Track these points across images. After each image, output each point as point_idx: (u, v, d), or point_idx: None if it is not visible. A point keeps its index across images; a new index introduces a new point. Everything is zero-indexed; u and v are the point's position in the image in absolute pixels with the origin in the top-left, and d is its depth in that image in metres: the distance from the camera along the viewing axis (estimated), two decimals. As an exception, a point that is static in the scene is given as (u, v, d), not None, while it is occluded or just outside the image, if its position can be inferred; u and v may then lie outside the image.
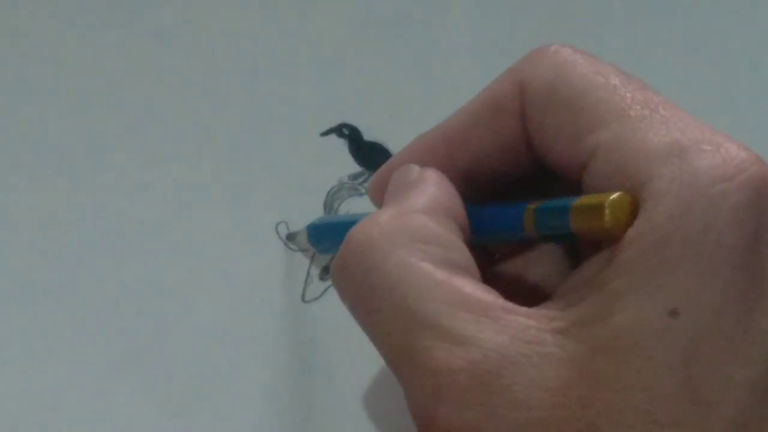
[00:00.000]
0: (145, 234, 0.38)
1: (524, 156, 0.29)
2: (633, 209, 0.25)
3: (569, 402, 0.24)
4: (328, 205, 0.39)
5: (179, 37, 0.42)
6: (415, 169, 0.30)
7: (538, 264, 0.30)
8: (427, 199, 0.28)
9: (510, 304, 0.26)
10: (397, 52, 0.42)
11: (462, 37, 0.43)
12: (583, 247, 0.28)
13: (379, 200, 0.31)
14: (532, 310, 0.26)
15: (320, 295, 0.38)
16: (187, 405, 0.36)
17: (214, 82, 0.41)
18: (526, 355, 0.25)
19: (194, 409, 0.36)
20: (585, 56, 0.28)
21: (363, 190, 0.39)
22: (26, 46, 0.42)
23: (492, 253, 0.31)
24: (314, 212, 0.39)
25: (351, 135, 0.41)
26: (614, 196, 0.25)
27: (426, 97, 0.41)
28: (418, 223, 0.27)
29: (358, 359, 0.36)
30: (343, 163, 0.40)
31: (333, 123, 0.41)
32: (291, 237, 0.38)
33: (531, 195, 0.28)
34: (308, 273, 0.38)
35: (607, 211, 0.25)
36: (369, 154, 0.40)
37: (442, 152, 0.30)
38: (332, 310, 0.37)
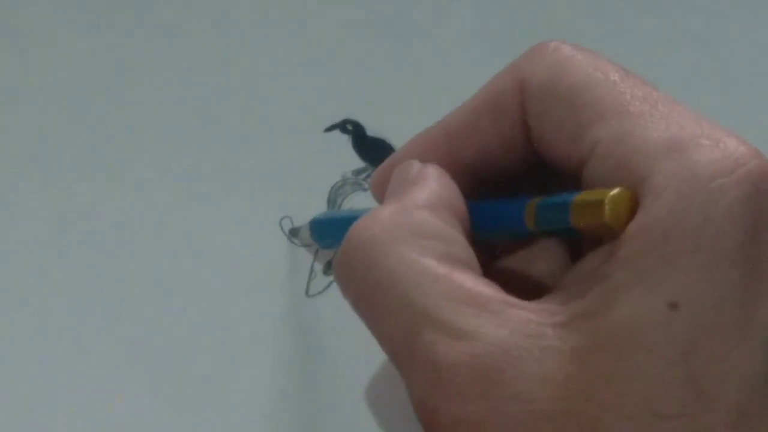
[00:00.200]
0: (149, 229, 0.39)
1: (525, 152, 0.29)
2: (633, 205, 0.25)
3: (570, 395, 0.24)
4: (332, 200, 0.39)
5: (182, 33, 0.42)
6: (416, 164, 0.30)
7: (539, 259, 0.30)
8: (428, 194, 0.28)
9: (511, 298, 0.26)
10: (400, 48, 0.43)
11: (464, 34, 0.43)
12: (583, 242, 0.28)
13: (380, 196, 0.31)
14: (533, 304, 0.26)
15: (324, 290, 0.38)
16: (192, 399, 0.36)
17: (218, 79, 0.41)
18: (527, 348, 0.25)
19: (198, 404, 0.36)
20: (584, 52, 0.28)
21: (366, 186, 0.40)
22: (28, 43, 0.42)
23: (493, 249, 0.31)
24: (318, 207, 0.39)
25: (354, 130, 0.41)
26: (614, 191, 0.25)
27: (429, 92, 0.41)
28: (419, 219, 0.27)
29: (362, 353, 0.36)
30: (346, 158, 0.40)
31: (336, 119, 0.41)
32: (294, 232, 0.38)
33: (531, 191, 0.28)
34: (312, 267, 0.38)
35: (607, 206, 0.25)
36: (372, 150, 0.40)
37: (443, 148, 0.30)
38: (336, 304, 0.37)
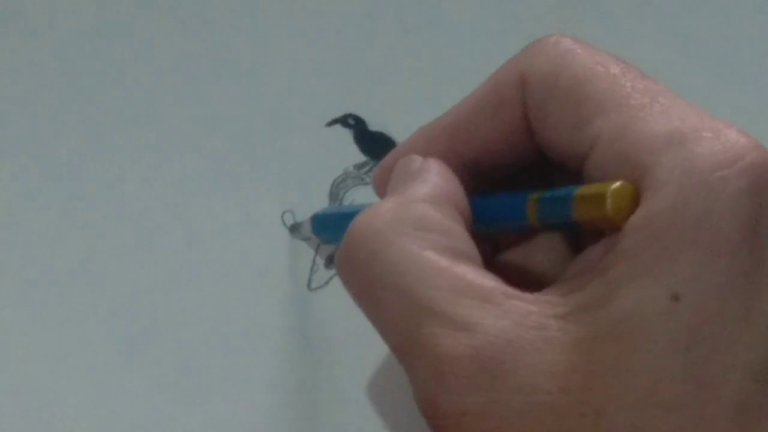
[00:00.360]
0: (151, 224, 0.39)
1: (526, 146, 0.29)
2: (634, 198, 0.25)
3: (572, 386, 0.24)
4: (334, 194, 0.39)
5: (184, 28, 0.42)
6: (418, 159, 0.30)
7: (540, 252, 0.30)
8: (430, 188, 0.28)
9: (512, 290, 0.26)
10: (402, 42, 0.43)
11: (467, 28, 0.43)
12: (585, 235, 0.28)
13: (382, 191, 0.31)
14: (535, 296, 0.26)
15: (326, 283, 0.38)
16: (194, 393, 0.36)
17: (220, 73, 0.41)
18: (529, 340, 0.25)
19: (201, 397, 0.36)
20: (585, 46, 0.28)
21: (368, 180, 0.40)
22: (30, 38, 0.42)
23: (495, 243, 0.31)
24: (320, 201, 0.39)
25: (356, 125, 0.41)
26: (616, 185, 0.25)
27: (431, 87, 0.41)
28: (421, 212, 0.27)
29: (364, 346, 0.36)
30: (348, 152, 0.40)
31: (338, 113, 0.41)
32: (295, 227, 0.38)
33: (533, 185, 0.29)
34: (314, 261, 0.38)
35: (608, 200, 0.25)
36: (374, 144, 0.40)
37: (445, 143, 0.30)
38: (338, 297, 0.37)
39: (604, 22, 0.43)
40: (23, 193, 0.39)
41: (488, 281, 0.26)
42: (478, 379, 0.25)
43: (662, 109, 0.26)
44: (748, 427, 0.24)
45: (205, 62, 0.42)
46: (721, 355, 0.24)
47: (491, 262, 0.30)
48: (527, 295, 0.26)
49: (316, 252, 0.39)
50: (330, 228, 0.36)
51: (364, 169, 0.40)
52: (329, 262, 0.38)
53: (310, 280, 0.38)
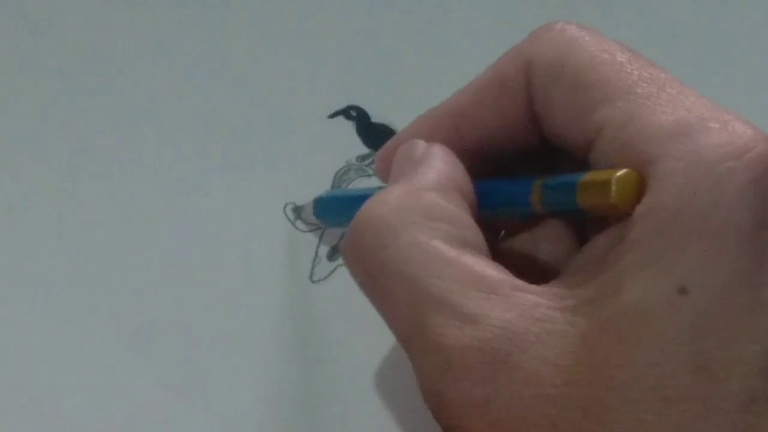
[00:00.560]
0: (153, 217, 0.39)
1: (530, 133, 0.29)
2: (640, 186, 0.25)
3: (578, 378, 0.24)
4: (336, 186, 0.39)
5: (186, 21, 0.42)
6: (421, 144, 0.30)
7: (546, 240, 0.30)
8: (436, 175, 0.28)
9: (519, 282, 0.26)
10: (405, 34, 0.42)
11: (470, 17, 0.43)
12: (590, 225, 0.28)
13: (385, 175, 0.31)
14: (542, 288, 0.26)
15: (328, 275, 0.38)
16: (196, 386, 0.36)
17: (222, 66, 0.41)
18: (535, 332, 0.25)
19: (203, 391, 0.36)
20: (591, 33, 0.28)
21: (371, 172, 0.40)
22: (30, 34, 0.42)
23: (498, 229, 0.31)
24: (322, 194, 0.39)
25: (359, 117, 0.41)
26: (621, 172, 0.25)
27: (433, 78, 0.41)
28: (429, 201, 0.27)
29: (367, 339, 0.36)
30: (350, 144, 0.40)
31: (341, 105, 0.41)
32: (297, 210, 0.38)
33: (537, 172, 0.28)
34: (316, 253, 0.38)
35: (613, 187, 0.25)
36: (376, 136, 0.40)
37: (449, 129, 0.30)
38: (340, 289, 0.37)
39: (608, 17, 0.43)
40: (25, 189, 0.39)
41: (495, 273, 0.26)
42: (483, 371, 0.25)
43: (669, 99, 0.26)
44: (753, 421, 0.24)
45: (207, 55, 0.42)
46: (726, 349, 0.24)
47: (497, 251, 0.30)
48: (534, 287, 0.26)
49: (319, 244, 0.38)
50: (332, 211, 0.36)
51: (367, 161, 0.40)
52: (332, 253, 0.38)
53: (312, 273, 0.38)
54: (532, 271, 0.28)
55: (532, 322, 0.25)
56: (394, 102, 0.41)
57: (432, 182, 0.28)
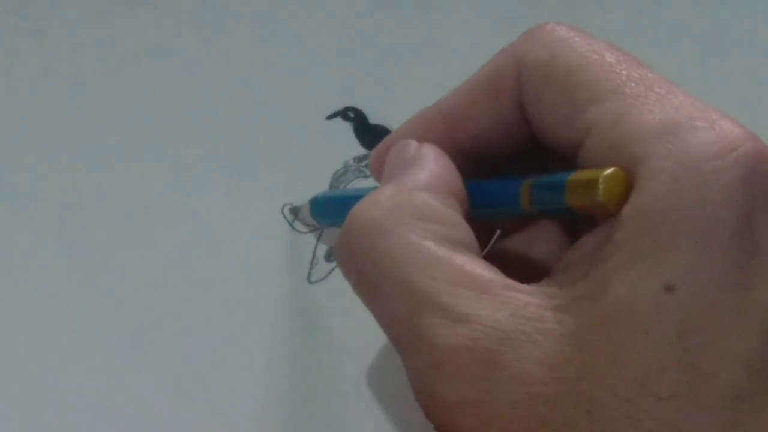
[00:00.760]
0: (151, 217, 0.39)
1: (521, 133, 0.29)
2: (627, 185, 0.25)
3: (568, 377, 0.24)
4: (334, 187, 0.40)
5: (186, 21, 0.42)
6: (413, 144, 0.30)
7: (539, 240, 0.30)
8: (428, 175, 0.28)
9: (510, 281, 0.26)
10: (402, 35, 0.43)
11: (467, 19, 0.43)
12: (581, 224, 0.28)
13: (379, 175, 0.31)
14: (532, 287, 0.26)
15: (326, 276, 0.38)
16: (194, 386, 0.36)
17: (221, 67, 0.42)
18: (526, 331, 0.25)
19: (200, 390, 0.36)
20: (581, 34, 0.28)
21: (368, 173, 0.40)
22: (29, 33, 0.42)
23: (492, 228, 0.31)
24: (320, 195, 0.39)
25: (356, 118, 0.41)
26: (608, 171, 0.25)
27: (431, 79, 0.41)
28: (420, 201, 0.27)
29: (363, 339, 0.36)
30: (348, 145, 0.40)
31: (338, 106, 0.41)
32: (294, 211, 0.38)
33: (528, 172, 0.29)
34: (314, 254, 0.39)
35: (601, 185, 0.25)
36: (374, 137, 0.40)
37: (440, 129, 0.30)
38: (338, 290, 0.37)
39: (603, 17, 0.43)
40: (25, 189, 0.39)
41: (486, 272, 0.26)
42: (474, 370, 0.25)
43: (657, 98, 0.26)
44: (741, 417, 0.24)
45: (205, 57, 0.42)
46: (714, 346, 0.24)
47: (489, 250, 0.30)
48: (525, 287, 0.26)
49: (316, 245, 0.39)
50: (329, 211, 0.36)
51: (364, 162, 0.40)
52: (329, 255, 0.39)
53: (310, 274, 0.38)
54: (524, 270, 0.28)
55: (523, 321, 0.25)
56: (391, 103, 0.41)
57: (423, 182, 0.28)
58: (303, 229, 0.39)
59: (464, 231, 0.28)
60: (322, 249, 0.39)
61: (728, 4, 0.44)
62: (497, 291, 0.26)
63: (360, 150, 0.40)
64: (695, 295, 0.24)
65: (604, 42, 0.28)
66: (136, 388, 0.36)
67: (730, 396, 0.24)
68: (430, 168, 0.29)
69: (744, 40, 0.43)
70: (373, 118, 0.41)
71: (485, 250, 0.31)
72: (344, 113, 0.41)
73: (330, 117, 0.41)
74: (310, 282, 0.38)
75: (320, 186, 0.39)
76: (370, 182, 0.39)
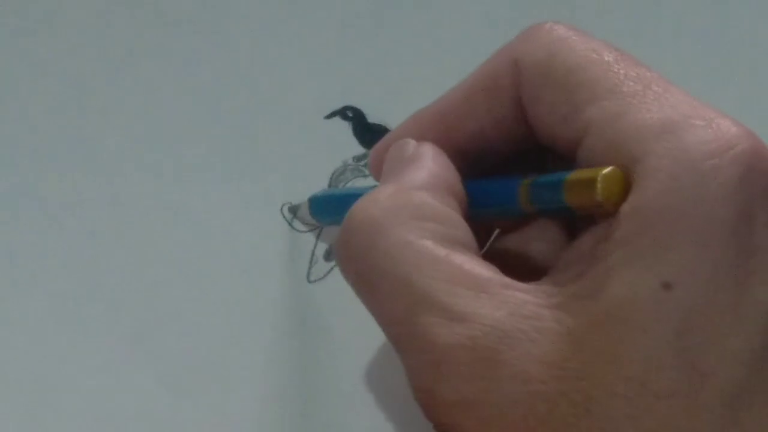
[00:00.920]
0: (151, 215, 0.39)
1: (519, 132, 0.29)
2: (625, 184, 0.25)
3: (566, 375, 0.24)
4: (333, 186, 0.40)
5: (185, 19, 0.42)
6: (412, 143, 0.30)
7: (537, 238, 0.30)
8: (426, 174, 0.28)
9: (508, 280, 0.26)
10: (401, 34, 0.43)
11: (467, 19, 0.43)
12: (580, 223, 0.28)
13: (377, 174, 0.31)
14: (530, 286, 0.26)
15: (325, 276, 0.38)
16: (193, 385, 0.36)
17: (218, 66, 0.42)
18: (524, 330, 0.25)
19: (200, 390, 0.36)
20: (579, 33, 0.28)
21: (367, 172, 0.40)
22: (27, 31, 0.42)
23: (491, 227, 0.31)
24: (319, 194, 0.39)
25: (355, 117, 0.41)
26: (606, 170, 0.25)
27: (430, 79, 0.41)
28: (418, 201, 0.28)
29: (363, 338, 0.36)
30: (347, 145, 0.40)
31: (337, 105, 0.41)
32: (293, 209, 0.38)
33: (526, 171, 0.29)
34: (313, 253, 0.39)
35: (599, 185, 0.25)
36: (373, 136, 0.40)
37: (438, 128, 0.30)
38: (337, 289, 0.37)
39: (601, 18, 0.43)
40: (24, 189, 0.39)
41: (485, 271, 0.26)
42: (473, 369, 0.25)
43: (655, 97, 0.26)
44: (739, 415, 0.24)
45: (204, 56, 0.42)
46: (712, 344, 0.24)
47: (487, 249, 0.30)
48: (523, 285, 0.26)
49: (315, 244, 0.39)
50: (327, 209, 0.36)
51: (363, 161, 0.40)
52: (328, 254, 0.39)
53: (309, 273, 0.38)
54: (523, 269, 0.28)
55: (521, 319, 0.25)
56: (390, 102, 0.41)
57: (422, 182, 0.28)
58: (302, 228, 0.39)
59: (463, 230, 0.28)
60: (322, 248, 0.39)
61: (728, 3, 0.44)
62: (496, 290, 0.26)
63: (359, 149, 0.40)
64: (693, 294, 0.24)
65: (602, 41, 0.28)
66: (135, 386, 0.36)
67: (729, 394, 0.24)
68: (428, 167, 0.29)
69: (744, 39, 0.43)
70: (372, 118, 0.41)
71: (484, 249, 0.31)
72: (343, 112, 0.41)
73: (329, 116, 0.41)
74: (310, 281, 0.38)
75: (319, 185, 0.39)
76: (369, 182, 0.39)
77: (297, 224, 0.39)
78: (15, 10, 0.42)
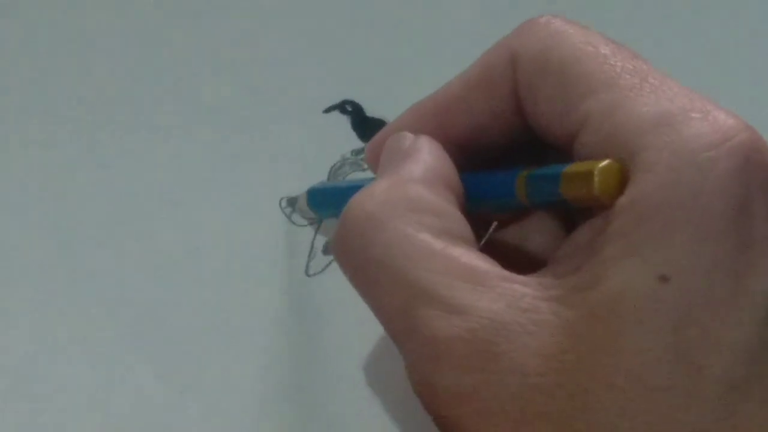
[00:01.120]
0: (149, 212, 0.39)
1: (516, 126, 0.29)
2: (622, 177, 0.25)
3: (563, 367, 0.24)
4: (331, 180, 0.40)
5: (184, 15, 0.42)
6: (408, 136, 0.30)
7: (535, 231, 0.30)
8: (423, 168, 0.28)
9: (506, 273, 0.26)
10: (400, 28, 0.43)
11: (465, 13, 0.43)
12: (578, 216, 0.28)
13: (375, 167, 0.31)
14: (528, 278, 0.26)
15: (323, 269, 0.38)
16: (192, 380, 0.36)
17: (218, 60, 0.42)
18: (522, 322, 0.25)
19: (199, 385, 0.36)
20: (576, 27, 0.28)
21: (366, 166, 0.40)
22: (31, 28, 0.42)
23: (488, 220, 0.31)
24: (318, 188, 0.39)
25: (354, 111, 0.41)
26: (603, 163, 0.25)
27: (428, 72, 0.41)
28: (415, 194, 0.28)
29: (361, 332, 0.36)
30: (345, 139, 0.40)
31: (336, 99, 0.41)
32: (291, 201, 0.38)
33: (524, 164, 0.29)
34: (312, 247, 0.39)
35: (596, 178, 0.25)
36: (371, 130, 0.40)
37: (435, 121, 0.30)
38: (335, 283, 0.37)
39: (599, 12, 0.43)
40: (23, 186, 0.39)
41: (482, 264, 0.26)
42: (471, 361, 0.25)
43: (652, 90, 0.26)
44: (735, 407, 0.24)
45: (203, 50, 0.42)
46: (708, 336, 0.24)
47: (485, 242, 0.30)
48: (521, 278, 0.26)
49: (314, 238, 0.39)
50: (326, 202, 0.36)
51: (362, 155, 0.40)
52: (327, 248, 0.39)
53: (307, 267, 0.38)
54: (520, 262, 0.28)
55: (519, 312, 0.25)
56: (389, 96, 0.41)
57: (418, 175, 0.28)
58: (301, 222, 0.39)
59: (460, 223, 0.28)
60: (320, 242, 0.39)
61: (727, 6, 0.44)
62: (493, 282, 0.26)
63: (357, 143, 0.40)
64: (689, 286, 0.24)
65: (599, 34, 0.28)
66: (133, 383, 0.36)
67: (725, 386, 0.24)
68: (425, 160, 0.29)
69: (742, 35, 0.43)
70: (371, 112, 0.41)
71: (482, 242, 0.31)
72: (342, 106, 0.41)
73: (327, 110, 0.41)
74: (308, 275, 0.38)
75: (318, 179, 0.39)
76: (368, 175, 0.39)
77: (296, 218, 0.39)
78: (15, 9, 0.42)
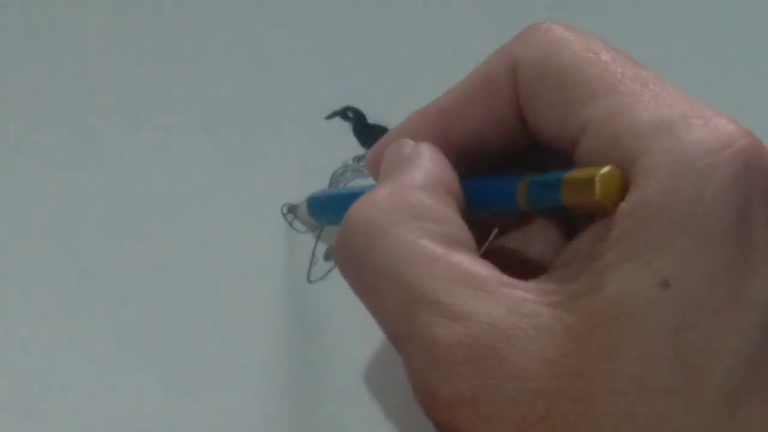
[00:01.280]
0: (150, 217, 0.39)
1: (517, 132, 0.29)
2: (623, 183, 0.25)
3: (564, 372, 0.24)
4: (333, 186, 0.40)
5: (186, 19, 0.43)
6: (409, 143, 0.30)
7: (535, 237, 0.30)
8: (424, 174, 0.29)
9: (506, 278, 0.26)
10: (402, 34, 0.43)
11: (466, 19, 0.43)
12: (578, 222, 0.28)
13: (376, 174, 0.31)
14: (529, 284, 0.26)
15: (325, 276, 0.38)
16: (193, 385, 0.36)
17: (219, 66, 0.42)
18: (523, 328, 0.25)
19: (200, 390, 0.36)
20: (577, 33, 0.28)
21: (367, 172, 0.40)
22: (31, 27, 0.42)
23: (489, 226, 0.31)
24: (319, 194, 0.39)
25: (355, 118, 0.41)
26: (605, 170, 0.25)
27: (430, 79, 0.41)
28: (416, 200, 0.28)
29: (363, 338, 0.36)
30: (347, 145, 0.40)
31: (337, 106, 0.41)
32: (292, 209, 0.39)
33: (524, 170, 0.29)
34: (313, 253, 0.39)
35: (597, 184, 0.25)
36: (373, 137, 0.40)
37: (437, 128, 0.30)
38: (337, 289, 0.37)
39: (599, 18, 0.43)
40: (24, 187, 0.39)
41: (483, 269, 0.26)
42: (472, 366, 0.25)
43: (652, 96, 0.26)
44: (736, 413, 0.24)
45: (205, 55, 0.42)
46: (709, 342, 0.24)
47: (486, 249, 0.30)
48: (521, 283, 0.26)
49: (315, 244, 0.39)
50: (326, 210, 0.36)
51: (363, 162, 0.40)
52: (328, 254, 0.39)
53: (309, 273, 0.38)
54: (521, 268, 0.28)
55: (520, 317, 0.25)
56: (390, 103, 0.41)
57: (419, 181, 0.28)
58: (302, 228, 0.39)
59: (461, 229, 0.28)
60: (321, 248, 0.39)
61: (727, 2, 0.44)
62: (494, 288, 0.26)
63: (359, 150, 0.40)
64: (690, 291, 0.24)
65: (600, 41, 0.28)
66: (134, 385, 0.36)
67: (726, 391, 0.24)
68: (425, 167, 0.29)
69: (743, 39, 0.43)
70: (372, 118, 0.41)
71: (483, 249, 0.31)
72: (343, 113, 0.41)
73: (329, 117, 0.41)
74: (310, 281, 0.38)
75: (319, 186, 0.39)
76: (369, 182, 0.39)
77: (297, 224, 0.39)
78: (15, 8, 0.43)
